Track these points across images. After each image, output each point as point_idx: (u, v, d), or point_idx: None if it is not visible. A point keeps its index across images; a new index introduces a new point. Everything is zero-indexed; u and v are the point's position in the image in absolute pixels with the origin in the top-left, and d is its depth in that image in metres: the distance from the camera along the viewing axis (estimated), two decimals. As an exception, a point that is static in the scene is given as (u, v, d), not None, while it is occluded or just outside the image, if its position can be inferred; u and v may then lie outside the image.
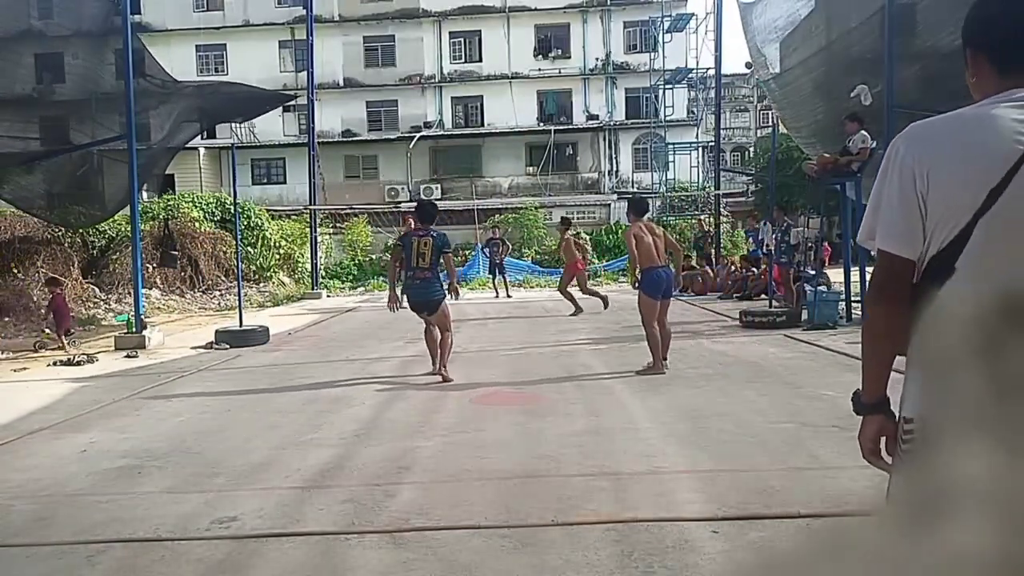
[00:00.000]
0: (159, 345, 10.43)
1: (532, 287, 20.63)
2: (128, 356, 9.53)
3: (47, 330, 10.99)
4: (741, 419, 5.40)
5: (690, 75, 28.95)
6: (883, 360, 1.69)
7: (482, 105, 33.50)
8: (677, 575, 3.01)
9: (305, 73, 20.49)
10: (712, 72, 23.48)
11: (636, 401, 6.15)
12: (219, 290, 18.12)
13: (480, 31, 33.32)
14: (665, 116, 28.01)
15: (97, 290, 16.16)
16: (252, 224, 19.99)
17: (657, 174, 28.02)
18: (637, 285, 7.34)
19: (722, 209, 22.72)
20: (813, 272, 12.06)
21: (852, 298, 11.09)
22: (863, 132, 10.17)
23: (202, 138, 24.86)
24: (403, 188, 32.24)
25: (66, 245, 16.61)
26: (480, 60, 33.40)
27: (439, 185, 32.63)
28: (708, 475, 4.19)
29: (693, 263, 18.47)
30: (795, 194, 19.63)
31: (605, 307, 12.69)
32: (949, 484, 0.32)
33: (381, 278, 21.69)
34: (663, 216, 24.58)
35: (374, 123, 33.74)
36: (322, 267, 21.44)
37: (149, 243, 16.41)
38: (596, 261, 24.76)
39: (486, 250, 20.20)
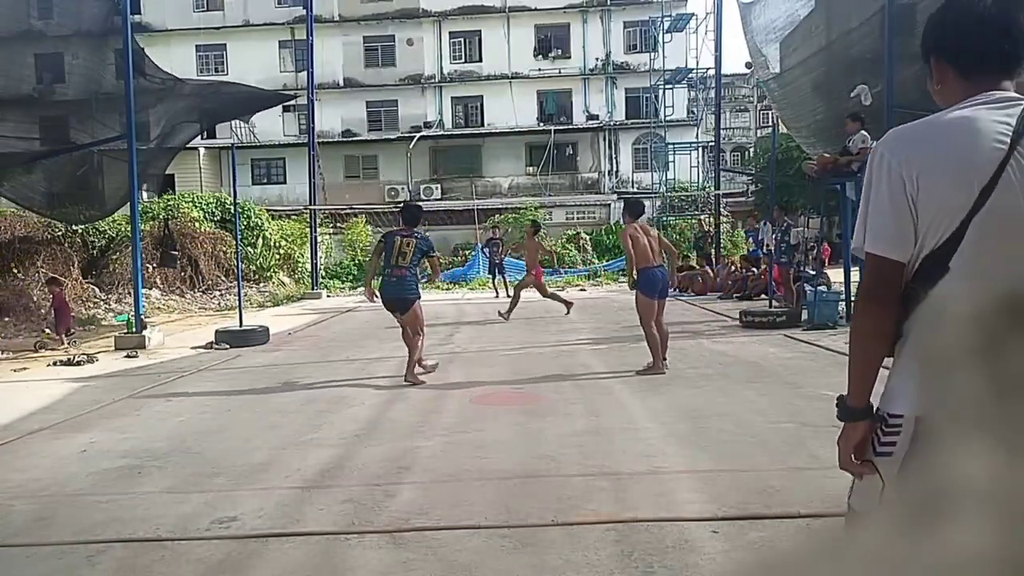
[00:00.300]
0: (159, 345, 10.43)
1: (531, 288, 20.62)
2: (128, 356, 9.53)
3: (47, 330, 10.99)
4: (741, 419, 5.40)
5: (690, 75, 28.94)
6: (873, 364, 1.68)
7: (482, 105, 33.51)
8: (677, 575, 3.01)
9: (305, 73, 20.50)
10: (712, 72, 23.47)
11: (636, 401, 6.15)
12: (219, 290, 18.12)
13: (480, 31, 33.32)
14: (665, 116, 28.00)
15: (97, 290, 16.16)
16: (252, 224, 19.99)
17: (657, 174, 28.01)
18: (632, 286, 7.40)
19: (722, 209, 22.72)
20: (813, 272, 12.06)
21: (852, 298, 11.09)
22: (863, 132, 10.17)
23: (202, 138, 24.85)
24: (403, 188, 32.25)
25: (66, 245, 16.62)
26: (480, 60, 33.41)
27: (439, 185, 32.63)
28: (708, 475, 4.19)
29: (693, 263, 18.47)
30: (795, 194, 19.64)
31: (567, 312, 12.52)
32: (949, 484, 0.32)
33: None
34: (663, 216, 24.56)
35: (374, 123, 33.74)
36: (322, 267, 21.45)
37: (149, 243, 16.41)
38: (596, 261, 24.78)
39: (486, 250, 20.20)
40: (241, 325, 11.20)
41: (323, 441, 5.19)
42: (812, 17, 14.21)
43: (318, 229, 20.64)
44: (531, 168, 32.90)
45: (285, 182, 32.87)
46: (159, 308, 15.61)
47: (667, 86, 28.05)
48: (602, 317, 12.42)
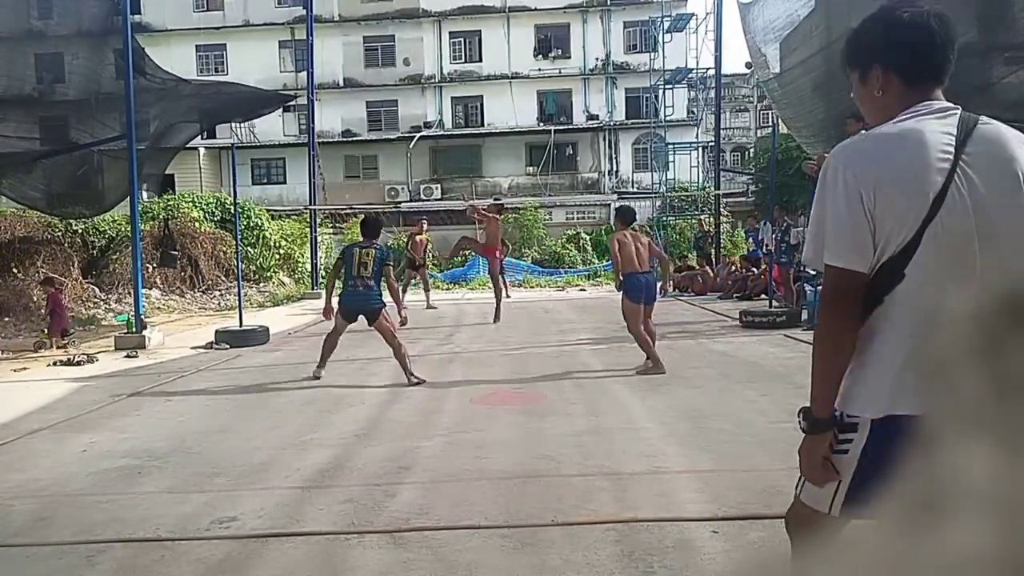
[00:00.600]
0: (159, 345, 10.43)
1: (532, 287, 20.62)
2: (128, 356, 9.53)
3: (46, 331, 10.99)
4: (741, 419, 5.40)
5: (690, 75, 28.94)
6: (839, 373, 1.72)
7: (482, 105, 33.51)
8: (677, 575, 3.01)
9: (305, 73, 20.49)
10: (712, 72, 23.47)
11: (636, 401, 6.15)
12: (219, 290, 18.12)
13: (480, 31, 33.32)
14: (665, 116, 28.00)
15: (97, 290, 16.16)
16: (252, 224, 19.99)
17: (657, 174, 28.01)
18: (619, 288, 7.51)
19: (722, 209, 22.71)
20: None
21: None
22: (863, 132, 10.17)
23: (202, 138, 24.85)
24: (403, 188, 32.26)
25: (66, 245, 16.62)
26: (480, 60, 33.41)
27: (439, 185, 32.63)
28: (708, 475, 4.19)
29: (693, 263, 18.47)
30: (795, 194, 19.62)
31: (495, 321, 12.23)
32: (949, 484, 0.32)
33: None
34: (663, 216, 24.56)
35: (374, 123, 33.74)
36: (322, 267, 21.42)
37: (149, 243, 16.40)
38: (596, 261, 24.78)
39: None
40: (241, 325, 11.20)
41: (323, 441, 5.19)
42: (812, 17, 14.20)
43: (318, 229, 20.63)
44: (531, 168, 32.90)
45: (285, 182, 32.87)
46: (159, 308, 15.61)
47: (667, 86, 28.05)
48: (602, 317, 12.42)
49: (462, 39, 33.60)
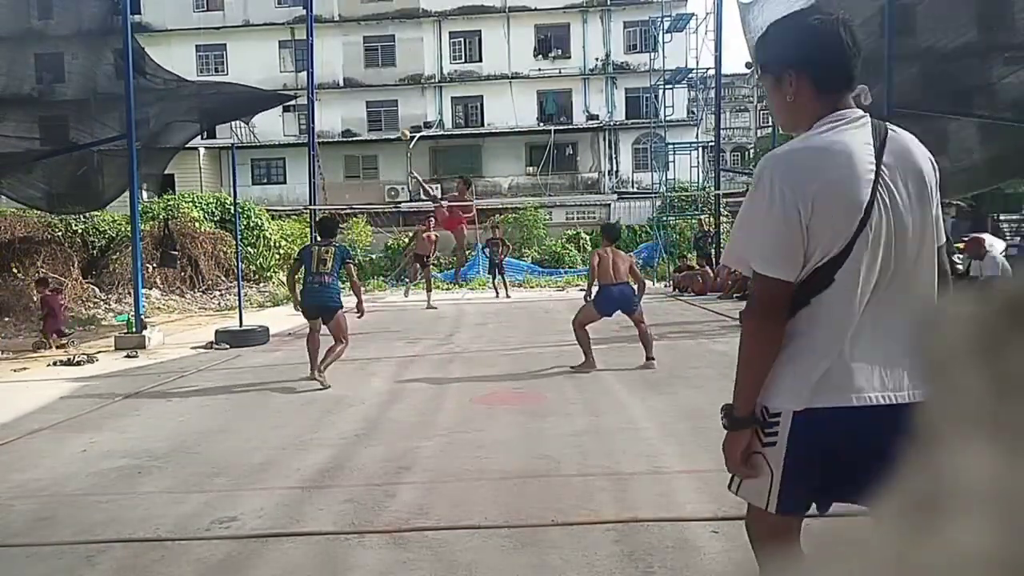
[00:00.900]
0: (159, 345, 10.43)
1: (532, 287, 20.62)
2: (128, 356, 9.53)
3: (43, 331, 11.00)
4: (741, 419, 5.40)
5: (690, 75, 28.94)
6: (763, 375, 1.78)
7: (482, 105, 33.52)
8: (677, 575, 3.01)
9: (305, 73, 20.48)
10: (712, 72, 23.47)
11: (636, 401, 6.15)
12: (219, 290, 18.12)
13: (480, 31, 33.33)
14: (665, 116, 28.00)
15: (97, 290, 16.16)
16: (252, 224, 19.99)
17: (657, 174, 28.01)
18: (588, 299, 7.93)
19: (722, 209, 22.70)
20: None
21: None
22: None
23: (202, 138, 24.86)
24: (403, 188, 32.26)
25: (66, 245, 16.63)
26: (480, 60, 33.41)
27: (439, 185, 32.62)
28: (708, 475, 4.19)
29: (693, 263, 18.46)
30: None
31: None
32: (949, 484, 0.32)
33: (381, 278, 21.72)
34: (663, 216, 24.56)
35: (374, 123, 33.75)
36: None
37: (149, 243, 16.41)
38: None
39: (486, 250, 20.20)
40: (241, 325, 11.20)
41: (323, 441, 5.19)
42: (812, 17, 14.19)
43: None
44: (531, 168, 32.90)
45: (285, 182, 32.88)
46: (159, 308, 15.61)
47: (667, 86, 28.05)
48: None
49: (462, 39, 33.61)
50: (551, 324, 11.98)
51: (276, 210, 23.88)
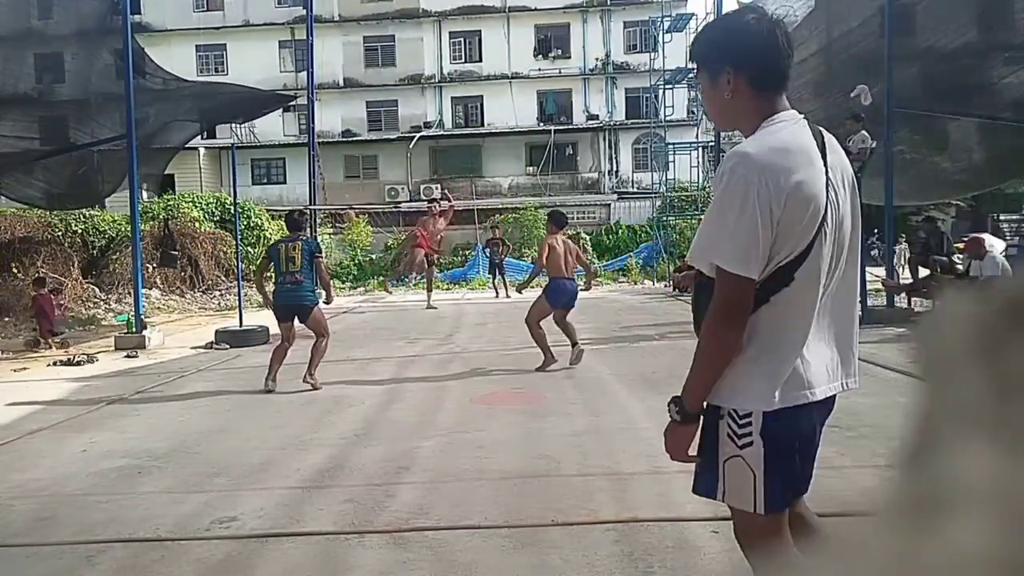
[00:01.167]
0: (159, 345, 10.43)
1: (532, 287, 20.65)
2: (128, 356, 9.53)
3: (34, 330, 10.99)
4: (741, 419, 5.40)
5: (690, 75, 28.91)
6: (721, 373, 1.79)
7: (482, 105, 33.50)
8: (677, 575, 3.01)
9: (305, 73, 20.48)
10: (712, 72, 23.41)
11: (636, 401, 6.15)
12: (219, 290, 18.12)
13: (480, 31, 33.32)
14: (665, 116, 28.00)
15: (97, 290, 16.16)
16: (252, 224, 20.00)
17: (657, 174, 28.02)
18: (520, 291, 7.94)
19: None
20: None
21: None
22: (863, 132, 10.17)
23: (202, 138, 24.85)
24: (403, 188, 32.25)
25: (66, 245, 16.63)
26: (480, 60, 33.40)
27: (439, 185, 32.62)
28: (708, 475, 4.19)
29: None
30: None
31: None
32: (949, 484, 0.32)
33: (381, 278, 21.69)
34: (663, 216, 24.56)
35: (374, 123, 33.73)
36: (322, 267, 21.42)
37: (149, 243, 16.41)
38: (596, 261, 24.76)
39: (487, 250, 20.21)
40: (241, 325, 11.20)
41: (323, 441, 5.19)
42: (812, 17, 14.20)
43: (318, 229, 20.63)
44: (531, 168, 32.89)
45: (285, 182, 32.86)
46: (159, 308, 15.61)
47: (667, 86, 28.03)
48: (602, 317, 12.42)
49: (462, 39, 33.59)
50: (551, 324, 11.98)
51: (276, 210, 23.85)
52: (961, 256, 11.61)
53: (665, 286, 19.27)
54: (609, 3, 32.95)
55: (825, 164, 1.79)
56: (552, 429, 5.31)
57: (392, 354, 9.23)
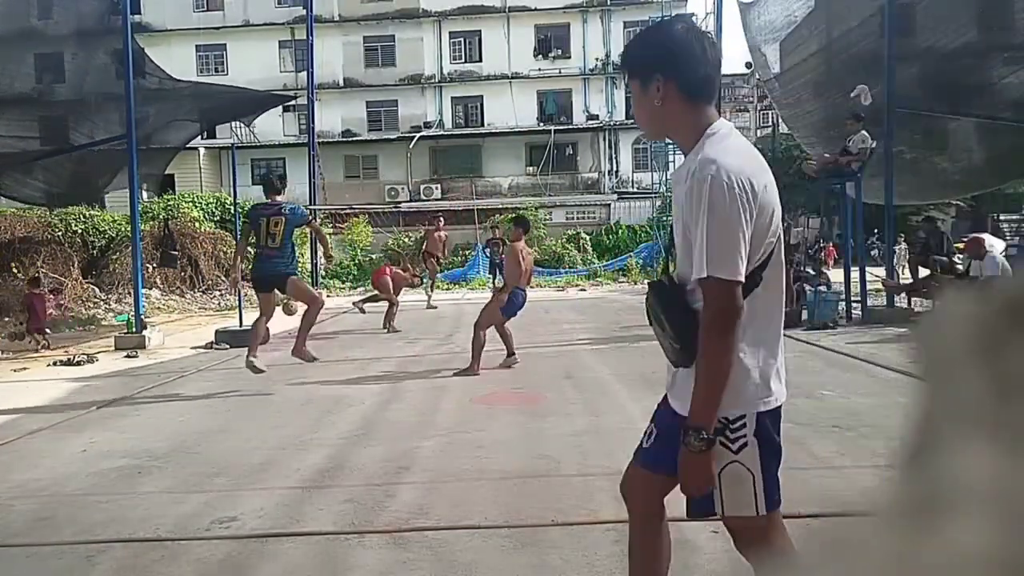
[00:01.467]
0: (159, 345, 10.43)
1: (532, 287, 20.65)
2: (128, 356, 9.53)
3: (22, 323, 10.97)
4: (741, 419, 5.39)
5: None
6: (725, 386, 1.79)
7: (482, 105, 33.50)
8: (677, 575, 3.01)
9: (305, 73, 20.49)
10: (712, 72, 23.42)
11: (635, 401, 6.15)
12: (219, 290, 18.12)
13: (480, 31, 33.32)
14: (665, 116, 27.96)
15: (97, 290, 16.16)
16: (252, 224, 19.97)
17: (657, 174, 28.01)
18: (505, 299, 7.81)
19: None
20: (813, 272, 12.07)
21: (852, 298, 11.10)
22: (863, 132, 10.17)
23: (202, 138, 24.87)
24: (403, 188, 32.25)
25: (66, 245, 16.62)
26: (480, 60, 33.40)
27: (439, 185, 32.63)
28: (708, 475, 4.18)
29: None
30: (795, 194, 19.63)
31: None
32: (949, 484, 0.32)
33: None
34: (663, 216, 24.55)
35: (374, 123, 33.74)
36: (322, 267, 21.45)
37: (149, 243, 16.41)
38: (596, 261, 24.78)
39: (487, 251, 20.21)
40: (241, 325, 11.18)
41: (323, 441, 5.19)
42: (812, 17, 14.21)
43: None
44: (531, 168, 32.89)
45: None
46: (159, 308, 15.61)
47: (667, 86, 28.01)
48: (602, 317, 12.41)
49: (462, 39, 33.60)
50: (551, 324, 11.98)
51: (276, 210, 23.86)
52: (961, 256, 11.62)
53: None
54: (609, 3, 32.95)
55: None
56: (552, 429, 5.31)
57: (392, 354, 9.23)
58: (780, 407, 1.89)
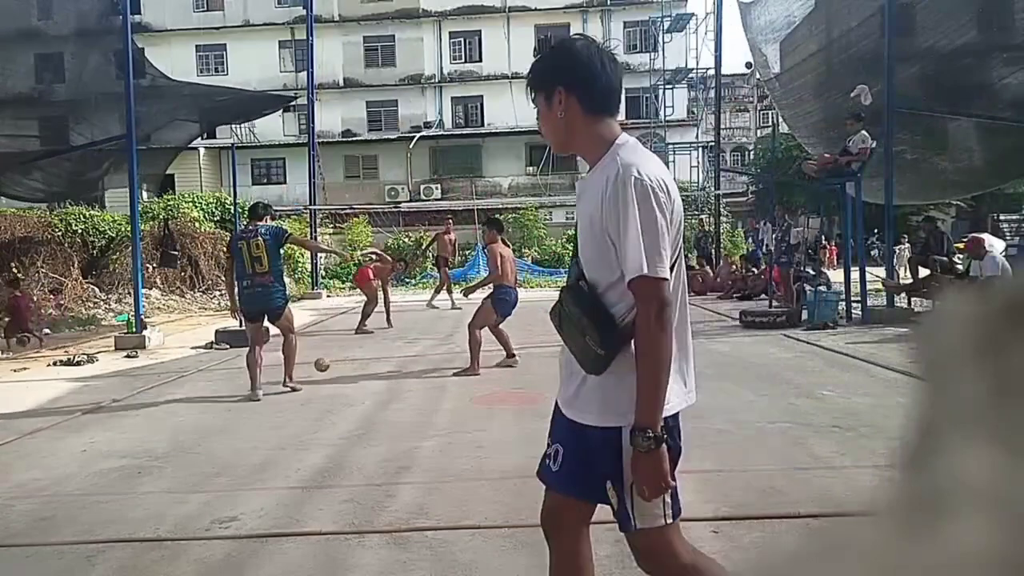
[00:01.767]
0: (159, 345, 10.43)
1: (532, 287, 20.62)
2: (128, 356, 9.53)
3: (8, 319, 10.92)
4: (741, 419, 5.40)
5: (690, 75, 28.95)
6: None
7: (482, 105, 33.50)
8: (677, 575, 3.01)
9: (305, 73, 20.50)
10: (712, 72, 23.48)
11: (636, 401, 6.15)
12: (219, 290, 18.10)
13: (480, 31, 33.32)
14: (665, 116, 28.00)
15: (97, 290, 16.16)
16: (252, 224, 19.97)
17: (657, 174, 27.95)
18: (467, 295, 8.03)
19: (722, 209, 22.71)
20: (813, 272, 12.07)
21: (852, 298, 11.10)
22: (863, 132, 10.17)
23: (202, 138, 24.88)
24: (403, 188, 32.24)
25: (66, 245, 16.62)
26: (480, 60, 33.40)
27: (439, 185, 32.62)
28: (708, 475, 4.19)
29: (693, 263, 18.47)
30: (795, 194, 19.65)
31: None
32: (949, 484, 0.32)
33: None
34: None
35: (374, 123, 33.74)
36: (322, 267, 21.45)
37: (149, 243, 16.40)
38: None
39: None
40: (241, 325, 11.16)
41: (323, 441, 5.19)
42: (812, 17, 14.21)
43: (318, 229, 20.64)
44: (531, 168, 32.88)
45: (285, 182, 32.87)
46: (159, 308, 15.60)
47: (667, 86, 28.05)
48: (602, 317, 12.38)
49: (462, 39, 33.60)
50: (550, 324, 11.96)
51: (276, 210, 23.83)
52: (961, 256, 11.62)
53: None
54: (609, 3, 32.96)
55: None
56: (552, 429, 5.30)
57: (392, 354, 9.23)
58: (679, 413, 1.93)
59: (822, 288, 11.01)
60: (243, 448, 5.08)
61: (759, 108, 43.16)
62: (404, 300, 16.42)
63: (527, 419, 5.64)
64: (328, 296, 19.62)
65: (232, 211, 15.56)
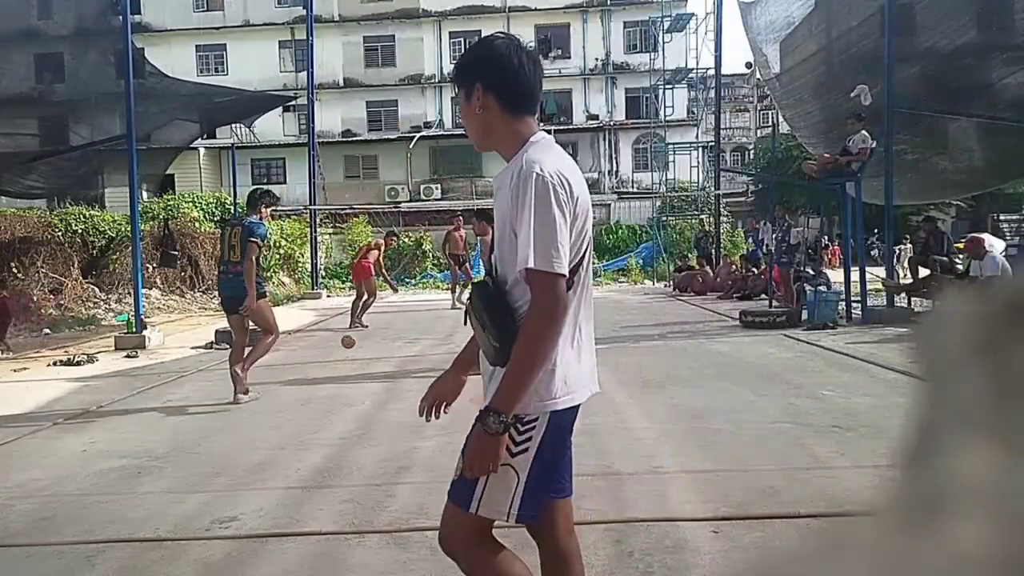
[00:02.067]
0: (159, 345, 10.43)
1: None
2: (128, 356, 9.53)
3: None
4: (741, 419, 5.40)
5: (690, 75, 28.94)
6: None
7: (482, 105, 33.47)
8: (677, 575, 3.01)
9: (305, 73, 20.50)
10: (712, 72, 23.47)
11: (634, 401, 6.15)
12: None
13: (480, 31, 33.27)
14: (665, 116, 28.00)
15: (97, 290, 16.16)
16: (252, 224, 19.98)
17: (657, 174, 28.03)
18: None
19: (722, 209, 22.71)
20: (813, 272, 12.07)
21: (852, 298, 11.10)
22: (863, 132, 10.18)
23: (202, 138, 24.89)
24: (403, 188, 32.25)
25: (66, 245, 16.62)
26: (480, 60, 33.39)
27: (439, 185, 32.63)
28: (708, 475, 4.19)
29: (693, 263, 18.47)
30: (795, 194, 19.65)
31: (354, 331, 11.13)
32: (949, 484, 0.32)
33: (380, 278, 21.70)
34: (663, 216, 24.57)
35: (374, 123, 33.74)
36: (322, 267, 21.45)
37: (149, 243, 16.41)
38: (596, 261, 24.78)
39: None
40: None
41: (323, 441, 5.19)
42: (812, 17, 14.22)
43: (318, 229, 20.64)
44: (531, 168, 32.85)
45: (285, 182, 32.86)
46: (159, 308, 15.60)
47: (667, 86, 28.04)
48: (601, 317, 12.40)
49: (462, 39, 33.59)
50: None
51: (276, 210, 23.82)
52: (961, 256, 11.62)
53: (665, 286, 19.27)
54: (609, 3, 32.96)
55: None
56: (552, 429, 5.30)
57: (392, 354, 9.23)
58: (579, 406, 1.93)
59: (822, 288, 11.00)
60: (243, 448, 5.08)
61: (759, 108, 43.15)
62: (404, 300, 16.42)
63: (527, 419, 5.64)
64: (328, 296, 19.63)
65: (232, 211, 15.56)
